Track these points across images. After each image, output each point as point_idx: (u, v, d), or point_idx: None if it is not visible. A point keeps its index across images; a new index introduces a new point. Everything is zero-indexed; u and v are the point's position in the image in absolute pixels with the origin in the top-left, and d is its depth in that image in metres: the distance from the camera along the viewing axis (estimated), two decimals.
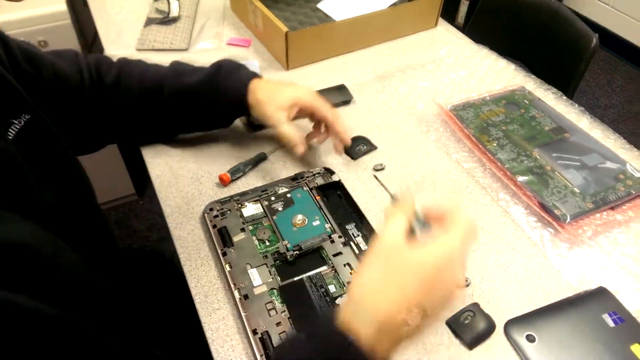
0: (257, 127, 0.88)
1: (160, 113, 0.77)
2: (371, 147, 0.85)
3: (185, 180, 0.79)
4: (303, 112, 0.77)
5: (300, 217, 0.71)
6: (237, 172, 0.79)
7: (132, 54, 1.07)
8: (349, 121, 0.89)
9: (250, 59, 1.06)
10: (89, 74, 0.73)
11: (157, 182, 0.79)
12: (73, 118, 0.71)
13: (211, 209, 0.72)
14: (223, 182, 0.78)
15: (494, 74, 1.02)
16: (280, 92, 0.74)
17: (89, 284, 0.51)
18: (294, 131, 0.74)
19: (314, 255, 0.67)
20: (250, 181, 0.79)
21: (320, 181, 0.77)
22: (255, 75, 0.78)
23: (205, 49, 1.09)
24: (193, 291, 0.64)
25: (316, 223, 0.70)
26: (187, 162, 0.82)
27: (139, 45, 1.08)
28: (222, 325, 0.60)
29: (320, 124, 0.80)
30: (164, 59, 0.82)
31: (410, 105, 0.95)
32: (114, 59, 0.78)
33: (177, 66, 0.78)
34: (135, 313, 0.69)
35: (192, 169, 0.81)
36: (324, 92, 0.90)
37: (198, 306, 0.62)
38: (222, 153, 0.84)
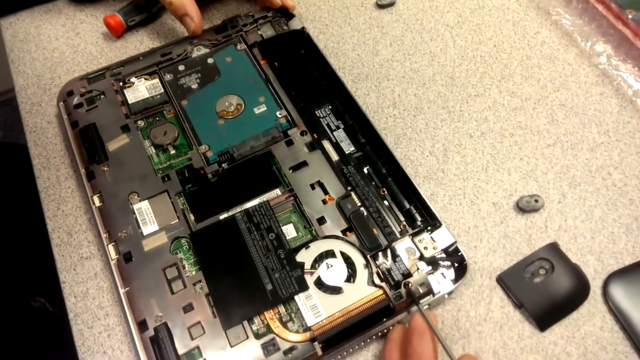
0: None
1: None
2: None
3: (54, 30, 0.45)
4: None
5: (231, 100, 0.39)
6: (133, 14, 0.45)
7: None
8: None
9: None
10: None
11: (8, 35, 0.46)
12: None
13: (71, 93, 0.40)
14: (113, 31, 0.44)
15: None
16: None
17: None
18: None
19: (257, 171, 0.36)
20: (149, 38, 0.45)
21: (268, 32, 0.43)
22: None
23: None
24: (50, 225, 0.35)
25: (260, 109, 0.39)
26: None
27: None
28: (92, 289, 0.33)
29: None
30: None
31: None
32: None
33: None
34: None
35: (68, 12, 0.47)
36: None
37: (56, 251, 0.34)
38: None
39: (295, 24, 0.43)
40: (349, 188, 0.35)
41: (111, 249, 0.32)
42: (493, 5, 0.47)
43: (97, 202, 0.34)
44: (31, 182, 0.37)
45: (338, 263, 0.32)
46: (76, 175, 0.37)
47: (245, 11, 0.45)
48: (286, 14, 0.43)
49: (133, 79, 0.39)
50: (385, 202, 0.35)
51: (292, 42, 0.43)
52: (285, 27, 0.42)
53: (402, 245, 0.33)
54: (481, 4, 0.47)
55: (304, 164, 0.36)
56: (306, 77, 0.41)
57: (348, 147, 0.37)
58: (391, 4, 0.46)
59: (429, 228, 0.33)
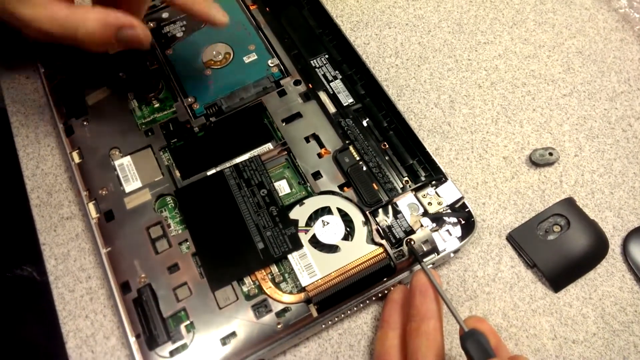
0: None
1: None
2: None
3: None
4: None
5: (219, 48, 0.35)
6: None
7: None
8: None
9: None
10: None
11: None
12: None
13: None
14: None
15: None
16: None
17: None
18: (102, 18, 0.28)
19: (247, 124, 0.33)
20: None
21: None
22: None
23: None
24: (28, 185, 0.32)
25: (250, 58, 0.35)
26: None
27: None
28: (74, 251, 0.30)
29: None
30: None
31: None
32: None
33: None
34: None
35: None
36: None
37: (35, 212, 0.31)
38: None
39: None
40: (346, 141, 0.32)
41: (91, 208, 0.30)
42: None
43: (77, 159, 0.31)
44: (9, 143, 0.34)
45: (335, 220, 0.29)
46: (56, 132, 0.34)
47: None
48: None
49: None
50: (387, 157, 0.32)
51: None
52: None
53: (405, 201, 0.30)
54: None
55: (297, 115, 0.32)
56: (300, 24, 0.37)
57: (346, 99, 0.34)
58: None
59: (434, 182, 0.30)
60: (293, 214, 0.29)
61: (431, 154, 0.31)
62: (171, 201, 0.30)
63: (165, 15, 0.36)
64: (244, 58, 0.35)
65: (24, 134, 0.35)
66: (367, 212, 0.29)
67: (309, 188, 0.30)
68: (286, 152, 0.32)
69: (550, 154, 0.33)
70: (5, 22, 0.28)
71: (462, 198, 0.30)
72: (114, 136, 0.32)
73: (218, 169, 0.31)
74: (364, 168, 0.31)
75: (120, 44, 0.28)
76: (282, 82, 0.34)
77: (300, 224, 0.29)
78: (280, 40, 0.35)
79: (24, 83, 0.37)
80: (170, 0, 0.30)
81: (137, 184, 0.30)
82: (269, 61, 0.34)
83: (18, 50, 0.38)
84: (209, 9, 0.30)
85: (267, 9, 0.37)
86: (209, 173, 0.31)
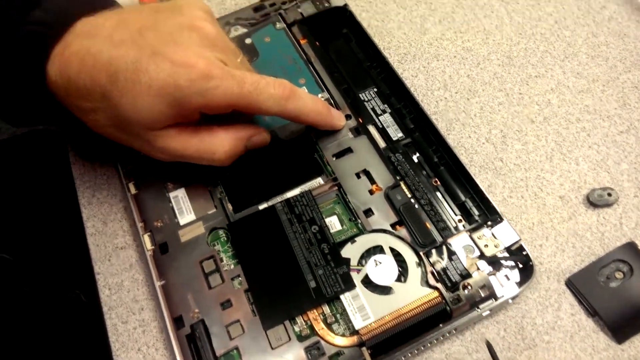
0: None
1: None
2: None
3: None
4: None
5: None
6: None
7: None
8: None
9: None
10: None
11: None
12: None
13: None
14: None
15: None
16: (134, 67, 0.25)
17: None
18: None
19: (298, 157, 0.32)
20: None
21: (308, 10, 0.39)
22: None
23: None
24: (84, 213, 0.32)
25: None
26: None
27: None
28: (127, 281, 0.30)
29: None
30: None
31: None
32: None
33: None
34: None
35: None
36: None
37: (90, 241, 0.31)
38: None
39: (337, 1, 0.39)
40: (397, 177, 0.31)
41: (147, 240, 0.30)
42: None
43: (133, 190, 0.31)
44: (67, 171, 0.35)
45: (387, 260, 0.28)
46: (112, 160, 0.35)
47: None
48: None
49: None
50: (438, 194, 0.31)
51: (333, 20, 0.38)
52: (326, 4, 0.38)
53: (459, 242, 0.29)
54: None
55: (348, 150, 0.32)
56: (349, 57, 0.37)
57: (395, 133, 0.33)
58: None
59: (489, 223, 0.29)
60: (345, 252, 0.29)
61: (485, 191, 0.30)
62: (223, 235, 0.30)
63: None
64: None
65: (81, 163, 0.35)
66: (421, 253, 0.28)
67: (359, 225, 0.30)
68: (337, 188, 0.31)
69: (609, 194, 0.31)
70: (137, 150, 0.29)
71: (519, 240, 0.29)
72: (168, 167, 0.32)
73: (269, 203, 0.31)
74: (416, 206, 0.30)
75: (245, 150, 0.30)
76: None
77: (352, 263, 0.28)
78: (330, 74, 0.35)
79: None
80: (297, 118, 0.29)
81: (191, 216, 0.30)
82: (319, 95, 0.34)
83: None
84: (332, 120, 0.32)
85: (317, 43, 0.37)
86: (261, 207, 0.30)
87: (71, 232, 0.34)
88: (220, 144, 0.28)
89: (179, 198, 0.31)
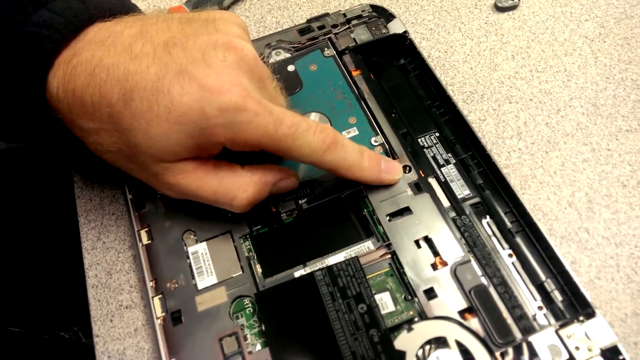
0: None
1: None
2: None
3: None
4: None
5: (313, 118, 0.29)
6: (202, 6, 0.36)
7: None
8: None
9: None
10: None
11: None
12: None
13: None
14: None
15: None
16: (152, 88, 0.22)
17: None
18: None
19: (344, 215, 0.27)
20: None
21: (362, 36, 0.33)
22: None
23: None
24: (87, 259, 0.27)
25: (351, 133, 0.29)
26: None
27: None
28: (131, 350, 0.24)
29: None
30: None
31: None
32: None
33: None
34: None
35: None
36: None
37: (91, 294, 0.26)
38: None
39: (396, 27, 0.33)
40: (467, 249, 0.25)
41: (157, 304, 0.24)
42: None
43: (145, 239, 0.26)
44: (71, 204, 0.30)
45: (453, 358, 0.23)
46: (123, 199, 0.30)
47: (334, 8, 0.37)
48: (385, 13, 0.34)
49: None
50: (513, 270, 0.25)
51: (391, 49, 0.33)
52: (384, 31, 0.33)
53: (543, 340, 0.22)
54: (629, 13, 0.36)
55: (406, 210, 0.26)
56: (407, 93, 0.32)
57: (461, 190, 0.27)
58: (514, 7, 0.36)
59: (581, 318, 0.23)
60: (399, 343, 0.23)
61: (572, 274, 0.24)
62: (250, 305, 0.24)
63: None
64: (344, 132, 0.29)
65: (88, 197, 0.30)
66: (497, 354, 0.22)
67: (416, 305, 0.24)
68: (390, 256, 0.25)
69: None
70: (143, 181, 0.25)
71: (616, 342, 0.23)
72: (189, 215, 0.27)
73: (307, 269, 0.25)
74: (491, 288, 0.24)
75: (268, 196, 0.25)
76: None
77: (408, 357, 0.23)
78: (386, 113, 0.29)
79: None
80: (335, 171, 0.25)
81: (212, 279, 0.25)
82: (373, 139, 0.28)
83: None
84: (381, 176, 0.26)
85: (372, 75, 0.31)
86: (297, 274, 0.25)
87: (71, 281, 0.29)
88: (243, 188, 0.24)
89: (199, 255, 0.26)
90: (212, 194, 0.24)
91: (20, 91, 0.22)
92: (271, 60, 0.32)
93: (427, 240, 0.25)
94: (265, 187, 0.25)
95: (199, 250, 0.26)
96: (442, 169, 0.28)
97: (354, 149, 0.25)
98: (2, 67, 0.22)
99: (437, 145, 0.29)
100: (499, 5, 0.36)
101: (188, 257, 0.25)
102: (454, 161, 0.29)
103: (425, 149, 0.29)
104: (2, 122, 0.24)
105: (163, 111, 0.21)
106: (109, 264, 0.28)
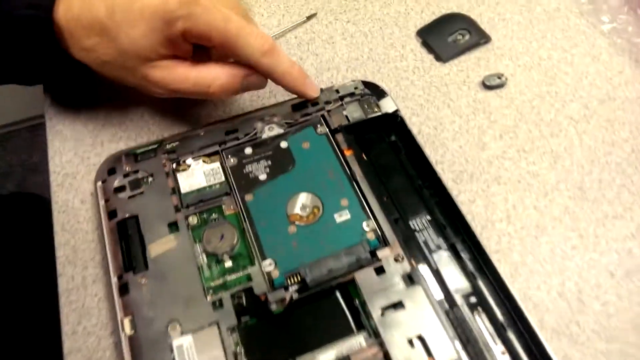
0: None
1: None
2: (479, 39, 0.39)
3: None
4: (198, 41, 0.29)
5: (307, 199, 0.30)
6: None
7: None
8: None
9: None
10: None
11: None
12: None
13: (112, 172, 0.31)
14: None
15: None
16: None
17: None
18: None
19: (334, 306, 0.26)
20: (214, 106, 0.36)
21: (354, 114, 0.33)
22: None
23: None
24: (66, 344, 0.26)
25: (342, 216, 0.28)
26: None
27: None
28: None
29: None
30: None
31: None
32: None
33: None
34: None
35: None
36: None
37: None
38: None
39: (387, 105, 0.33)
40: (461, 346, 0.25)
41: None
42: (627, 97, 0.37)
43: (128, 330, 0.25)
44: (52, 282, 0.28)
45: None
46: (106, 279, 0.29)
47: (326, 80, 0.37)
48: (377, 90, 0.35)
49: (189, 160, 0.30)
50: None
51: (382, 127, 0.33)
52: (376, 110, 0.33)
53: None
54: (611, 95, 0.37)
55: (398, 305, 0.25)
56: (398, 172, 0.32)
57: (453, 279, 0.27)
58: (501, 85, 0.37)
59: None
60: None
61: None
62: None
63: (248, 150, 0.31)
64: (335, 215, 0.28)
65: (70, 274, 0.29)
66: None
67: None
68: (383, 356, 0.24)
69: None
70: (136, 87, 0.30)
71: None
72: (175, 304, 0.25)
73: None
74: None
75: (243, 91, 0.31)
76: (379, 253, 0.27)
77: None
78: (378, 197, 0.29)
79: (78, 208, 0.31)
80: (269, 74, 0.30)
81: None
82: (364, 223, 0.28)
83: (76, 163, 0.33)
84: (304, 88, 0.31)
85: (364, 155, 0.31)
86: None
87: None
88: (216, 76, 0.29)
89: (184, 349, 0.24)
90: (192, 85, 0.29)
91: (36, 32, 0.27)
92: (264, 136, 0.32)
93: (421, 340, 0.24)
94: (236, 79, 0.29)
95: (184, 344, 0.24)
96: (433, 254, 0.28)
97: (287, 58, 0.30)
98: (17, 15, 0.27)
99: (428, 230, 0.29)
100: (487, 83, 0.37)
101: (172, 350, 0.24)
102: (445, 246, 0.28)
103: (416, 232, 0.29)
104: (24, 67, 0.30)
105: (137, 13, 0.26)
106: (90, 351, 0.26)
